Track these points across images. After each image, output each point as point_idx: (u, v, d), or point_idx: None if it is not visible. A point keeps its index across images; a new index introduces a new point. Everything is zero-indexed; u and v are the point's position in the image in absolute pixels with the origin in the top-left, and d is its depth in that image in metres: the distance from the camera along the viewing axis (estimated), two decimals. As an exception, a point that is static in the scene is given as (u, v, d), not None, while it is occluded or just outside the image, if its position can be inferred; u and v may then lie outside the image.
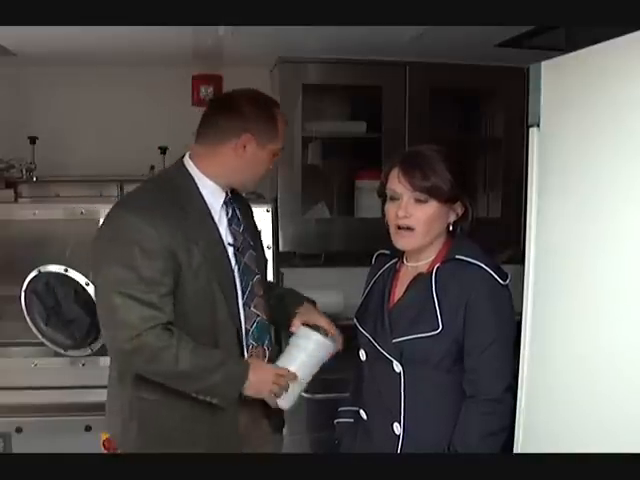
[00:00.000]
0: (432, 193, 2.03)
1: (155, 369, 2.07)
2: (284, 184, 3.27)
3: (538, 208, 1.81)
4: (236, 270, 2.20)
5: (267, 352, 2.25)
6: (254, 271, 2.26)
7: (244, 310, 2.21)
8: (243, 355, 2.20)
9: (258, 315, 2.24)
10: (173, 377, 2.07)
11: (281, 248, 3.19)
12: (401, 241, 2.08)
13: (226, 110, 2.15)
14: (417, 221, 2.04)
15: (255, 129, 2.11)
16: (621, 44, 1.48)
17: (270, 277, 2.94)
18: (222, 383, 2.08)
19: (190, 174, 2.16)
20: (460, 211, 2.10)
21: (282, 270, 3.23)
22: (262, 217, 2.99)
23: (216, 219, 2.17)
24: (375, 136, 3.31)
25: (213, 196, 2.18)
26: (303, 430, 3.05)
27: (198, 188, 2.16)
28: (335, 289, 3.36)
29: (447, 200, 2.05)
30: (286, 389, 2.14)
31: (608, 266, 1.56)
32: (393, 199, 2.08)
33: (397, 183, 2.05)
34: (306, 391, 2.31)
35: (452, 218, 2.10)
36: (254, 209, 2.92)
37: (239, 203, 2.31)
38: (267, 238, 3.00)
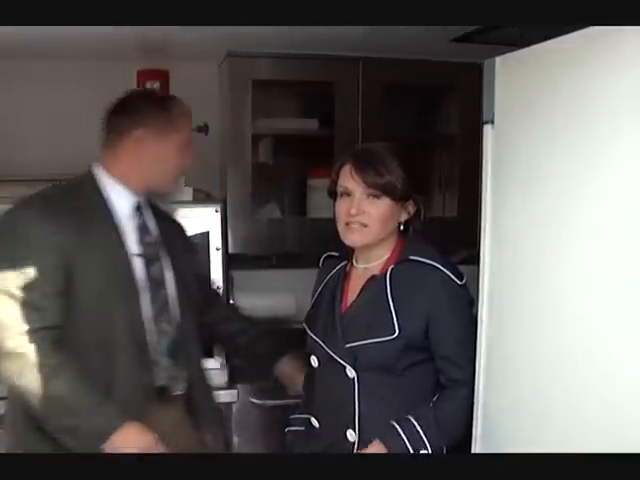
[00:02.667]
0: (386, 190, 2.04)
1: (24, 385, 1.94)
2: (233, 184, 3.23)
3: (493, 207, 1.84)
4: (144, 282, 2.14)
5: (181, 372, 2.22)
6: (166, 284, 2.21)
7: (156, 326, 2.15)
8: (150, 373, 2.12)
9: (170, 332, 2.19)
10: (40, 400, 1.93)
11: (230, 250, 3.14)
12: (351, 236, 2.08)
13: (118, 110, 2.21)
14: (370, 218, 2.05)
15: (148, 123, 2.14)
16: (575, 39, 1.50)
17: (219, 280, 2.95)
18: (87, 427, 1.95)
19: (95, 178, 2.17)
20: (412, 210, 2.12)
21: (232, 273, 3.21)
22: (211, 218, 2.97)
23: (123, 226, 2.14)
24: (328, 133, 3.29)
25: (121, 201, 2.16)
26: (254, 439, 3.03)
27: (102, 192, 2.15)
28: (287, 292, 3.34)
29: (400, 198, 2.06)
30: None
31: (562, 263, 1.60)
32: (344, 196, 2.09)
33: (350, 180, 2.06)
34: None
35: (404, 217, 2.11)
36: (202, 210, 2.93)
37: (160, 215, 2.30)
38: (216, 240, 2.98)
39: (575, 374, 1.57)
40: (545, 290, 1.66)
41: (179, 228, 2.45)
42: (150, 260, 2.17)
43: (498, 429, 1.87)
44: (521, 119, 1.73)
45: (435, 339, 2.04)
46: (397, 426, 2.02)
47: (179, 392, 2.23)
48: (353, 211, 2.05)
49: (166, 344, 2.18)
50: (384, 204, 2.06)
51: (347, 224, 2.07)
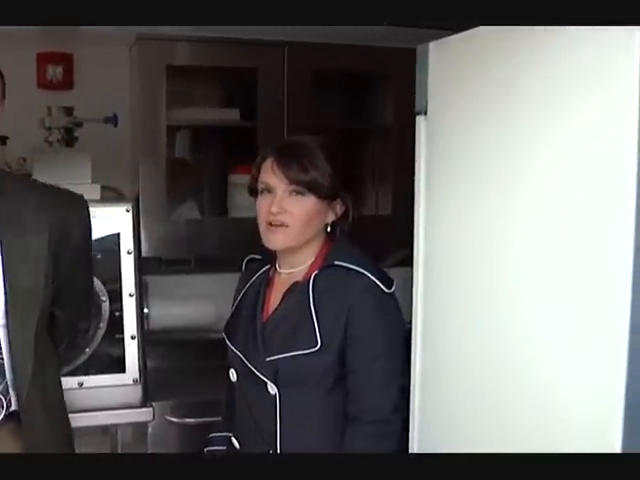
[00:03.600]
0: (311, 187, 2.01)
1: None
2: (147, 180, 3.13)
3: (426, 203, 1.82)
4: None
5: (4, 401, 2.01)
6: None
7: None
8: None
9: None
10: None
11: (144, 253, 3.05)
12: (273, 238, 2.04)
13: None
14: (292, 218, 2.01)
15: None
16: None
17: (131, 288, 2.86)
18: None
19: None
20: (340, 210, 2.08)
21: (145, 278, 3.13)
22: (121, 218, 2.87)
23: None
24: (250, 125, 3.23)
25: None
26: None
27: None
28: (207, 298, 3.27)
29: (326, 196, 2.02)
30: None
31: (497, 260, 1.58)
32: (265, 193, 2.04)
33: (271, 175, 2.03)
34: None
35: (331, 218, 2.08)
36: (111, 209, 2.83)
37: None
38: (127, 242, 2.88)
39: (514, 379, 1.55)
40: (480, 289, 1.64)
41: (45, 203, 2.13)
42: None
43: (435, 436, 1.84)
44: (455, 109, 1.71)
45: (350, 353, 1.99)
46: None
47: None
48: (274, 209, 2.00)
49: None
50: (309, 202, 2.02)
51: (269, 224, 2.03)
